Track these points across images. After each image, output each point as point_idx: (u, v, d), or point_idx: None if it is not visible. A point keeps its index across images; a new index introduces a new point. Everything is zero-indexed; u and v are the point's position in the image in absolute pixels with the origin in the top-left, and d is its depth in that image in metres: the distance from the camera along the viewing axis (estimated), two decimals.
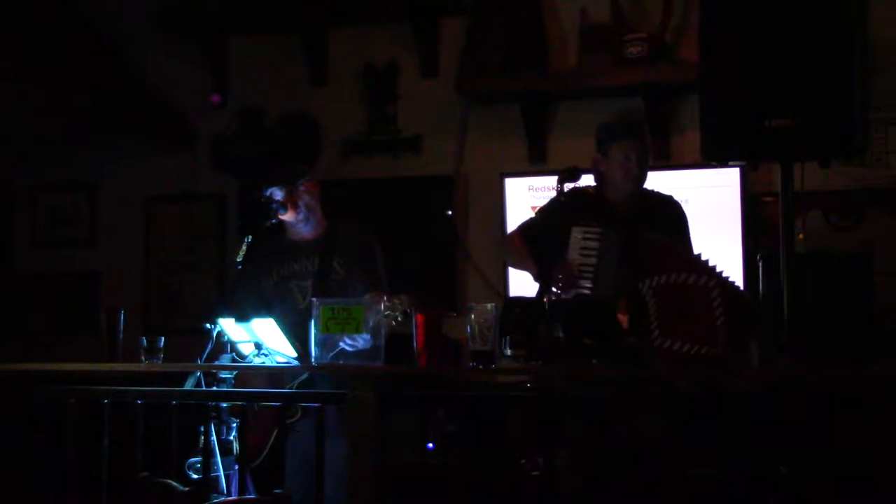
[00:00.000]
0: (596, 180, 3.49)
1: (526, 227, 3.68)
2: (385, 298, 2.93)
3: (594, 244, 3.28)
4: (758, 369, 2.77)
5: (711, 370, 2.81)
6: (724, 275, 2.91)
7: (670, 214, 3.53)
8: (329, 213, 3.78)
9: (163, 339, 3.13)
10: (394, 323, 2.91)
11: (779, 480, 2.83)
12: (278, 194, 3.60)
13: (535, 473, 3.45)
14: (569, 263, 3.30)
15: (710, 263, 2.94)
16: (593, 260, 3.28)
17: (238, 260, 3.48)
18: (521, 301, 4.00)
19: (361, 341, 2.95)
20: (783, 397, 2.78)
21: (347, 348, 2.96)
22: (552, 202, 3.60)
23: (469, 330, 2.75)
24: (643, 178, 3.50)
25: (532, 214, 3.87)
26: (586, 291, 3.25)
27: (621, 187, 3.45)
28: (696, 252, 3.07)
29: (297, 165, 3.80)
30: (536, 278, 3.40)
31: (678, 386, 2.88)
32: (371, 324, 2.84)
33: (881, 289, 4.34)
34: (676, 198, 3.62)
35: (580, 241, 3.30)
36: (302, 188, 3.63)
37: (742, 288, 3.10)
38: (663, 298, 2.86)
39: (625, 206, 3.48)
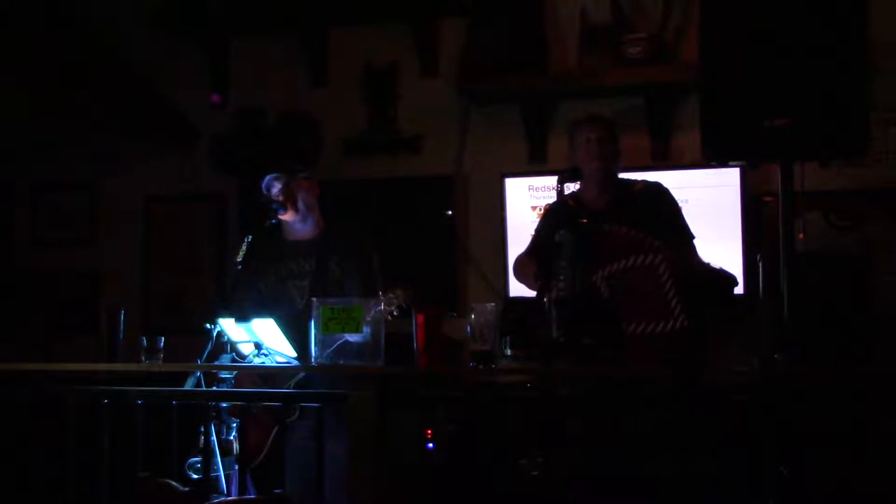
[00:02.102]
0: (564, 184, 3.48)
1: (533, 248, 3.72)
2: (380, 294, 2.93)
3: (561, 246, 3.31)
4: (758, 369, 2.77)
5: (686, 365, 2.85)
6: (667, 251, 2.97)
7: (656, 202, 3.54)
8: (328, 213, 3.78)
9: (163, 339, 3.13)
10: (389, 318, 2.91)
11: (779, 480, 2.84)
12: (276, 189, 3.60)
13: (535, 473, 3.45)
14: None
15: (655, 244, 2.99)
16: (562, 262, 3.31)
17: (238, 260, 3.48)
18: (521, 301, 4.02)
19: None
20: (783, 397, 2.78)
21: (351, 339, 2.94)
22: (542, 215, 3.68)
23: (469, 330, 2.75)
24: (609, 162, 3.53)
25: (533, 216, 3.92)
26: (563, 293, 3.27)
27: (587, 171, 3.47)
28: (640, 235, 3.10)
29: (295, 162, 3.81)
30: (534, 285, 3.42)
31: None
32: (368, 319, 2.83)
33: (881, 289, 4.35)
34: (675, 197, 3.62)
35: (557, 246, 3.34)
36: (300, 184, 3.63)
37: (695, 261, 3.13)
38: (616, 286, 2.91)
39: (603, 203, 3.50)
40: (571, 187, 3.51)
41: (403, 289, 3.18)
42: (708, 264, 3.34)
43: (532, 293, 3.53)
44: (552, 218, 3.52)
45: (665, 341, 2.95)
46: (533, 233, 3.84)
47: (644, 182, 3.66)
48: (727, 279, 3.30)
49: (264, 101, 5.36)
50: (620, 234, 3.15)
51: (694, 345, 2.98)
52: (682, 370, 2.90)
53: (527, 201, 4.84)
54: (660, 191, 3.60)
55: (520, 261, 3.72)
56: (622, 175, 3.66)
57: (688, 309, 2.94)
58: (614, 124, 3.68)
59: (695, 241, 3.52)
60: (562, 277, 3.28)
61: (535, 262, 3.45)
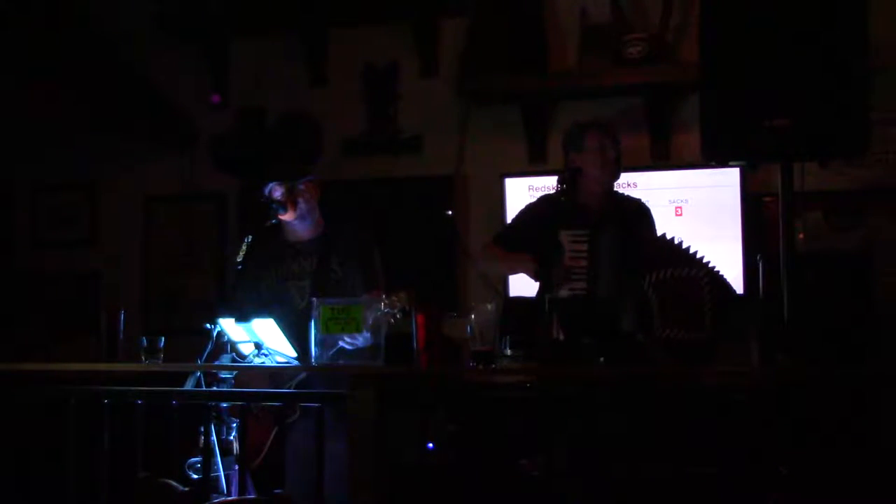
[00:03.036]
0: (568, 185, 3.48)
1: (502, 236, 3.75)
2: (383, 296, 2.93)
3: (583, 246, 3.32)
4: (758, 369, 2.77)
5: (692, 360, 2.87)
6: (710, 265, 3.01)
7: (641, 218, 3.62)
8: (328, 214, 3.78)
9: (163, 339, 3.13)
10: (392, 321, 2.91)
11: (779, 480, 2.84)
12: (278, 192, 3.60)
13: (535, 473, 3.45)
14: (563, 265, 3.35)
15: (699, 255, 3.03)
16: (583, 262, 3.32)
17: (238, 260, 3.48)
18: (521, 301, 4.02)
19: (361, 339, 2.96)
20: (783, 397, 2.78)
21: (347, 347, 2.96)
22: (524, 210, 3.70)
23: (469, 330, 2.75)
24: (618, 171, 3.57)
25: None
26: (580, 292, 3.28)
27: (599, 177, 3.52)
28: (686, 245, 3.13)
29: (299, 164, 3.81)
30: (535, 276, 3.43)
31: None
32: (371, 322, 2.84)
33: (881, 289, 4.34)
34: (675, 198, 3.67)
35: (569, 245, 3.34)
36: (301, 187, 3.63)
37: (725, 277, 3.18)
38: (663, 292, 2.94)
39: (597, 208, 3.53)
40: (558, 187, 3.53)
41: (406, 292, 3.18)
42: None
43: (532, 294, 3.54)
44: (549, 216, 3.51)
45: (687, 347, 2.97)
46: (511, 223, 3.86)
47: (632, 199, 3.76)
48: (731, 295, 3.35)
49: (264, 101, 5.36)
50: (668, 241, 3.17)
51: (710, 352, 3.00)
52: (680, 372, 2.91)
53: (526, 201, 4.82)
54: (646, 211, 3.71)
55: (493, 251, 3.73)
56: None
57: (715, 320, 2.97)
58: (617, 130, 3.71)
59: None
60: (580, 277, 3.29)
61: (533, 259, 3.45)
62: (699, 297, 2.96)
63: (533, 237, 3.51)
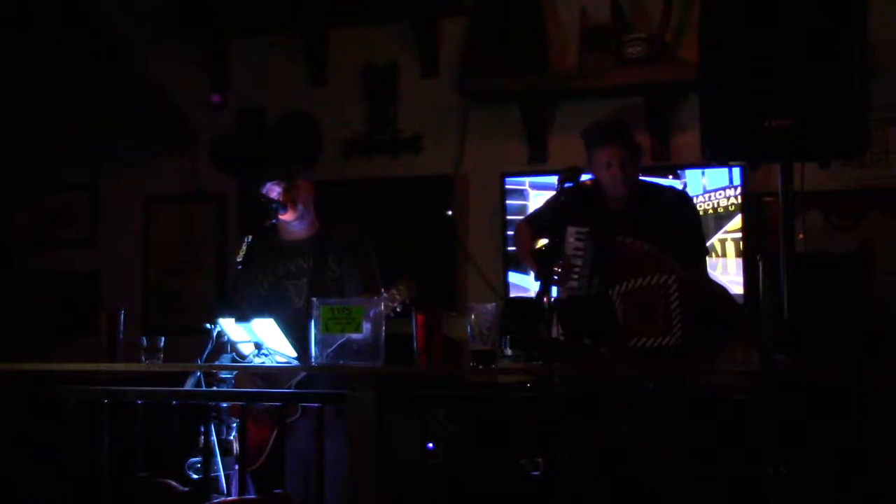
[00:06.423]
0: (571, 183, 3.46)
1: (533, 217, 3.75)
2: (382, 291, 2.92)
3: (582, 244, 3.31)
4: (758, 369, 2.77)
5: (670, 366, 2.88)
6: (681, 270, 3.00)
7: (678, 213, 3.52)
8: (329, 213, 3.78)
9: (163, 339, 3.13)
10: (392, 314, 2.90)
11: (779, 480, 2.83)
12: (274, 192, 3.60)
13: (535, 473, 3.45)
14: (564, 262, 3.34)
15: (671, 262, 3.02)
16: (579, 261, 3.31)
17: (238, 260, 3.48)
18: (521, 301, 4.03)
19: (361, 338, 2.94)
20: (783, 397, 2.78)
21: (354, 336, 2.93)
22: (556, 195, 3.63)
23: (469, 330, 2.75)
24: (632, 177, 3.51)
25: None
26: (573, 292, 3.27)
27: (609, 190, 3.48)
28: (658, 253, 3.12)
29: (292, 164, 3.80)
30: (536, 277, 3.43)
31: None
32: (371, 315, 2.82)
33: (881, 289, 4.34)
34: (698, 212, 3.63)
35: (573, 242, 3.33)
36: (298, 185, 3.63)
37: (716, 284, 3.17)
38: (629, 302, 2.95)
39: (624, 201, 3.48)
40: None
41: (407, 284, 3.18)
42: (716, 286, 3.35)
43: (531, 292, 3.54)
44: (569, 208, 3.44)
45: (659, 354, 2.98)
46: (542, 206, 3.83)
47: (673, 190, 3.68)
48: (731, 306, 3.33)
49: (264, 101, 5.37)
50: (641, 250, 3.15)
51: (678, 356, 3.01)
52: (675, 371, 2.92)
53: (527, 201, 4.84)
54: (685, 202, 3.61)
55: (521, 232, 3.74)
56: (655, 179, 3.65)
57: (686, 326, 2.97)
58: (629, 128, 3.63)
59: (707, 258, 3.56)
60: (576, 277, 3.28)
61: (532, 255, 3.45)
62: (666, 304, 2.98)
63: (552, 224, 3.47)
